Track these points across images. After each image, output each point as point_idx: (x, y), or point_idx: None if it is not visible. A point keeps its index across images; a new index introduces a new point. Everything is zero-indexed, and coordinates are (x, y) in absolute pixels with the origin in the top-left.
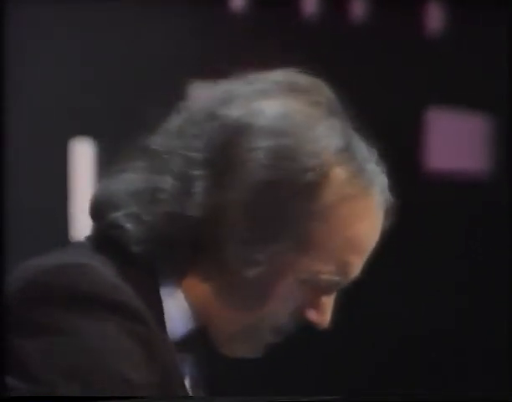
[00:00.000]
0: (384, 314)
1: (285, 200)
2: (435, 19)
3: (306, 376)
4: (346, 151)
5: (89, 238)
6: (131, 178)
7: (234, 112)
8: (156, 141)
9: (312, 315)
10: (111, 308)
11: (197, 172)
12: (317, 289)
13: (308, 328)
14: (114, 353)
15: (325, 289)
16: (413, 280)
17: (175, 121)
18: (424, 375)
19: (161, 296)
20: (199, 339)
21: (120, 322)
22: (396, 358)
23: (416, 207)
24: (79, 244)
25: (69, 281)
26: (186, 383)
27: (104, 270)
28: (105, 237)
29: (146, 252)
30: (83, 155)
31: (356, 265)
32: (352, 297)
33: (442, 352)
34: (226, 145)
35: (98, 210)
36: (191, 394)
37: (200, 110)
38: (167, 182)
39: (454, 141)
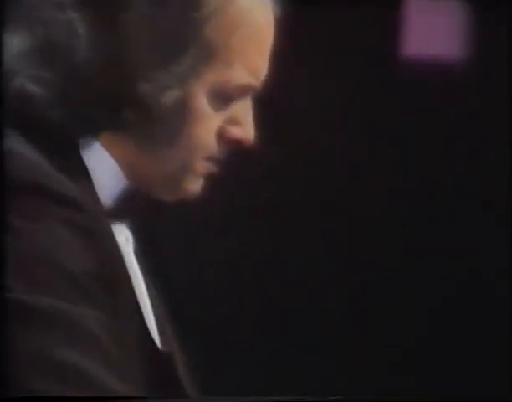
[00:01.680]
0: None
1: (174, 18)
2: None
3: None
4: None
5: None
6: (19, 41)
7: None
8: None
9: (235, 132)
10: (46, 197)
11: (74, 15)
12: (232, 99)
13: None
14: (56, 246)
15: (240, 95)
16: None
17: None
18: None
19: (87, 162)
20: (134, 201)
21: (57, 212)
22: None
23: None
24: None
25: None
26: (131, 271)
27: (30, 155)
28: (15, 110)
29: (59, 116)
30: None
31: (262, 63)
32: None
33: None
34: None
35: None
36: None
37: None
38: (56, 36)
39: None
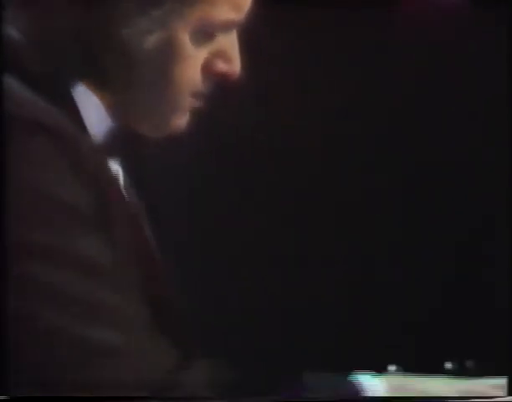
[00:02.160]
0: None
1: None
2: None
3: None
4: None
5: None
6: None
7: None
8: None
9: (221, 65)
10: (42, 130)
11: None
12: (216, 34)
13: None
14: (53, 180)
15: (224, 30)
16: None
17: None
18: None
19: (76, 102)
20: (121, 139)
21: (53, 145)
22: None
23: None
24: None
25: None
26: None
27: (26, 93)
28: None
29: (45, 62)
30: None
31: None
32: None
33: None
34: None
35: None
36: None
37: None
38: None
39: None
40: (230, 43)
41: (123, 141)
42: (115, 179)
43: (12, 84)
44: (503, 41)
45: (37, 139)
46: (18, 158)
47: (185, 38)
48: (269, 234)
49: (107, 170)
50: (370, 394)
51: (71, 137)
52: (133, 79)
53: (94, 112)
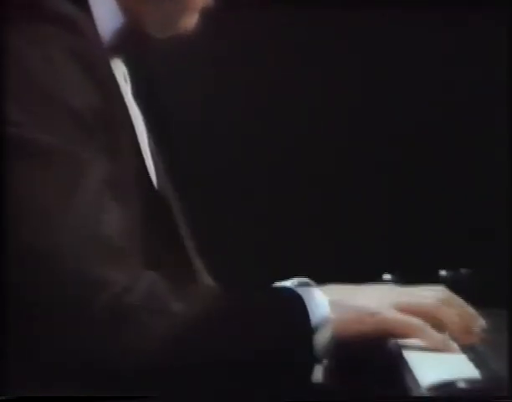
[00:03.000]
0: None
1: None
2: None
3: None
4: None
5: None
6: None
7: None
8: None
9: None
10: (46, 18)
11: None
12: None
13: None
14: (56, 77)
15: None
16: None
17: None
18: None
19: None
20: (131, 38)
21: (57, 36)
22: None
23: None
24: None
25: None
26: (130, 110)
27: None
28: None
29: None
30: None
31: None
32: None
33: None
34: None
35: None
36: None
37: None
38: None
39: None
40: None
41: (131, 41)
42: (121, 83)
43: None
44: (503, 41)
45: (39, 24)
46: (21, 48)
47: None
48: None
49: (113, 71)
50: (308, 305)
51: (80, 27)
52: None
53: (103, 8)
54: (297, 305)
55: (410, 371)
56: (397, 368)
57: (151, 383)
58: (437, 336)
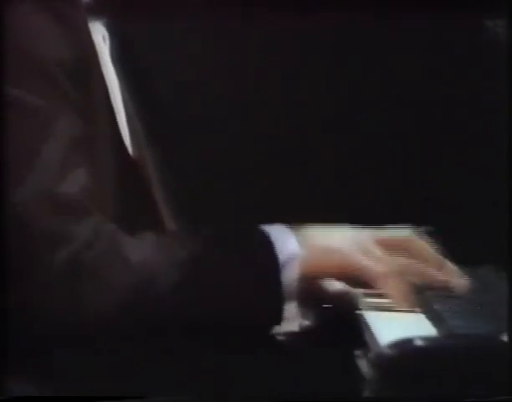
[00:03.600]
0: None
1: None
2: None
3: None
4: None
5: None
6: None
7: None
8: None
9: None
10: None
11: None
12: None
13: None
14: (28, 30)
15: None
16: None
17: None
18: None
19: None
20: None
21: None
22: None
23: None
24: None
25: None
26: (106, 70)
27: None
28: None
29: None
30: None
31: None
32: None
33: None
34: None
35: None
36: None
37: None
38: None
39: None
40: None
41: (111, 3)
42: (99, 42)
43: None
44: (503, 41)
45: None
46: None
47: None
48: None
49: (91, 31)
50: (282, 247)
51: None
52: None
53: None
54: (264, 242)
55: (369, 329)
56: (357, 326)
57: (112, 337)
58: (400, 287)
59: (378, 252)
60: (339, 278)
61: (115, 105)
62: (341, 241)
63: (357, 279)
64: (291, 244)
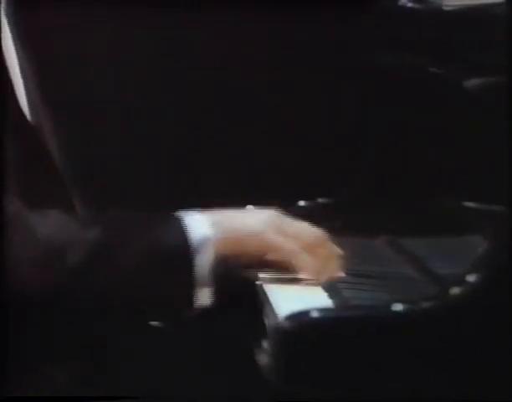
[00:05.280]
0: None
1: None
2: None
3: None
4: None
5: None
6: None
7: None
8: None
9: None
10: None
11: None
12: None
13: None
14: None
15: None
16: None
17: None
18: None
19: None
20: None
21: None
22: None
23: None
24: None
25: None
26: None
27: None
28: None
29: None
30: None
31: None
32: None
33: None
34: None
35: None
36: None
37: None
38: None
39: None
40: None
41: None
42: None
43: None
44: (503, 41)
45: None
46: None
47: None
48: None
49: None
50: (193, 232)
51: None
52: None
53: None
54: (176, 226)
55: (268, 301)
56: (257, 299)
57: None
58: (312, 263)
59: (288, 230)
60: (251, 258)
61: (13, 75)
62: (257, 222)
63: (267, 258)
64: (203, 226)
